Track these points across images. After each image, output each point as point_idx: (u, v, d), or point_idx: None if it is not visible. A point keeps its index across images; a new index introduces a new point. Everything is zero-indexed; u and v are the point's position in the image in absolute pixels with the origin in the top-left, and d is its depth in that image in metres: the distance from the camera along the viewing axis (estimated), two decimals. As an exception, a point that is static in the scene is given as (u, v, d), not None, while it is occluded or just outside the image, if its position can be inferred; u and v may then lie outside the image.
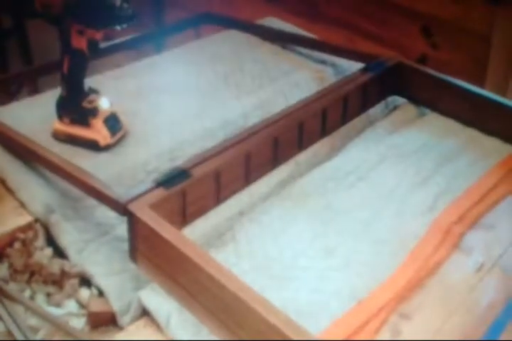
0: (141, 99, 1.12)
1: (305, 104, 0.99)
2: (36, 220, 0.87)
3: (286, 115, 0.96)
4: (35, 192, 0.89)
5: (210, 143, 0.95)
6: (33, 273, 0.83)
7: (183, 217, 0.82)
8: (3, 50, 2.11)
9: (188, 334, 0.72)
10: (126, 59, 1.37)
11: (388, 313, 0.73)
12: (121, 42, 1.38)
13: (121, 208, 0.77)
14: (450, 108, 1.11)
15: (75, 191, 0.87)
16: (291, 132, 0.96)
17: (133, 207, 0.76)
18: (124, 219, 0.77)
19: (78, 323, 0.78)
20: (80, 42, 0.93)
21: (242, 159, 0.89)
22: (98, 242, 0.85)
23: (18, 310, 0.78)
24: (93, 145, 0.98)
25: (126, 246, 0.79)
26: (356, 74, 1.10)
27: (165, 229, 0.72)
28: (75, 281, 0.81)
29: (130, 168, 0.95)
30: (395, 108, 1.19)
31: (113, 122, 1.00)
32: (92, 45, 0.93)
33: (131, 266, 0.80)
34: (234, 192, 0.90)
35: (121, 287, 0.79)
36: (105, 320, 0.77)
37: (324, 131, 1.03)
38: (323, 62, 1.29)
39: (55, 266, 0.82)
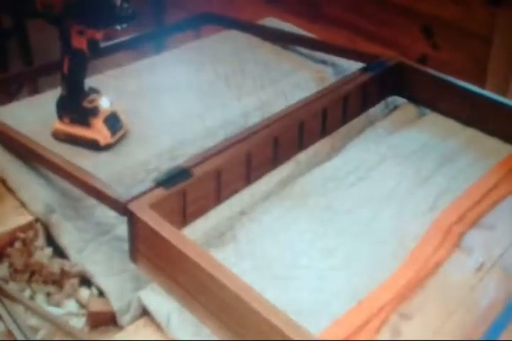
0: (142, 99, 1.12)
1: (305, 104, 0.99)
2: (36, 220, 0.87)
3: (287, 115, 0.96)
4: (36, 192, 0.89)
5: (210, 142, 0.95)
6: (33, 273, 0.83)
7: (184, 216, 0.82)
8: (3, 50, 2.11)
9: (188, 334, 0.72)
10: (127, 59, 1.37)
11: (388, 313, 0.73)
12: (122, 42, 1.38)
13: (122, 208, 0.77)
14: (450, 108, 1.11)
15: (75, 191, 0.87)
16: (291, 132, 0.96)
17: (133, 207, 0.76)
18: (124, 218, 0.77)
19: (78, 323, 0.78)
20: (80, 42, 0.93)
21: (243, 159, 0.89)
22: (98, 242, 0.85)
23: (18, 309, 0.78)
24: (93, 145, 0.98)
25: (126, 245, 0.79)
26: (356, 74, 1.10)
27: (165, 229, 0.72)
28: (74, 281, 0.81)
29: (130, 167, 0.95)
30: (395, 108, 1.19)
31: (113, 122, 1.00)
32: (93, 45, 0.93)
33: (131, 265, 0.80)
34: (234, 191, 0.90)
35: (121, 287, 0.79)
36: (105, 320, 0.77)
37: (324, 130, 1.03)
38: (323, 62, 1.29)
39: (55, 265, 0.82)
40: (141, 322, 0.76)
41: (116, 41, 1.37)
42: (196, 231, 0.84)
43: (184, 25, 1.53)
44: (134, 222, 0.76)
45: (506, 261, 0.82)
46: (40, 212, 0.86)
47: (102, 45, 0.97)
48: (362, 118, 1.12)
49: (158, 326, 0.74)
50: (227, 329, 0.67)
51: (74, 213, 0.88)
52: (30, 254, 0.83)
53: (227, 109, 1.11)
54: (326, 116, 1.02)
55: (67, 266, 0.82)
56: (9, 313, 0.77)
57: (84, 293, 0.80)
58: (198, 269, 0.67)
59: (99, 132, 0.98)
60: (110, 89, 1.09)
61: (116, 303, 0.77)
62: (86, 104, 0.98)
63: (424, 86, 1.13)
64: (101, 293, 0.79)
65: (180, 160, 0.91)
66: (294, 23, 1.44)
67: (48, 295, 0.82)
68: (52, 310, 0.79)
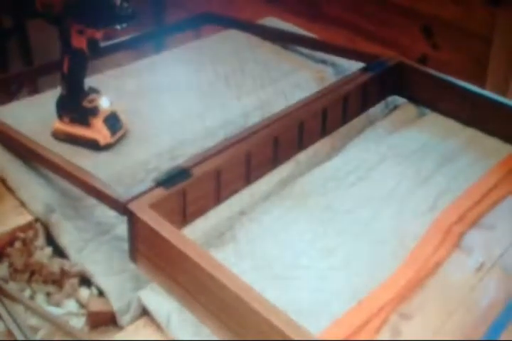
0: (142, 99, 1.12)
1: (305, 104, 0.99)
2: (36, 219, 0.87)
3: (287, 115, 0.96)
4: (36, 192, 0.89)
5: (210, 142, 0.95)
6: (33, 273, 0.83)
7: (183, 216, 0.82)
8: (3, 50, 2.11)
9: (188, 334, 0.72)
10: (127, 58, 1.37)
11: (388, 313, 0.73)
12: (122, 41, 1.38)
13: (121, 207, 0.77)
14: (450, 108, 1.11)
15: (75, 190, 0.87)
16: (291, 132, 0.96)
17: (133, 207, 0.76)
18: (124, 218, 0.77)
19: (78, 323, 0.78)
20: (80, 42, 0.93)
21: (243, 158, 0.89)
22: (98, 242, 0.85)
23: (18, 309, 0.78)
24: (93, 145, 0.98)
25: (126, 245, 0.79)
26: (356, 74, 1.10)
27: (165, 229, 0.72)
28: (74, 281, 0.81)
29: (130, 167, 0.95)
30: (395, 108, 1.19)
31: (113, 121, 1.00)
32: (92, 44, 0.93)
33: (131, 265, 0.80)
34: (234, 191, 0.90)
35: (121, 286, 0.79)
36: (105, 320, 0.77)
37: (324, 130, 1.03)
38: (323, 62, 1.29)
39: (55, 265, 0.82)
40: (141, 322, 0.76)
41: (116, 41, 1.37)
42: (196, 231, 0.84)
43: (184, 25, 1.53)
44: (133, 221, 0.76)
45: (506, 261, 0.82)
46: (40, 212, 0.86)
47: (102, 44, 0.97)
48: (362, 118, 1.12)
49: (158, 326, 0.74)
50: (227, 329, 0.67)
51: (74, 213, 0.88)
52: (30, 254, 0.83)
53: (227, 109, 1.11)
54: (326, 116, 1.01)
55: (67, 265, 0.82)
56: (9, 313, 0.77)
57: (84, 292, 0.80)
58: (198, 269, 0.67)
59: (99, 132, 0.98)
60: (110, 88, 1.09)
61: (116, 303, 0.77)
62: (86, 104, 0.98)
63: (424, 86, 1.13)
64: (101, 293, 0.79)
65: (180, 160, 0.91)
66: (294, 23, 1.44)
67: (48, 294, 0.82)
68: (52, 310, 0.79)
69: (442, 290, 0.78)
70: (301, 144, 0.99)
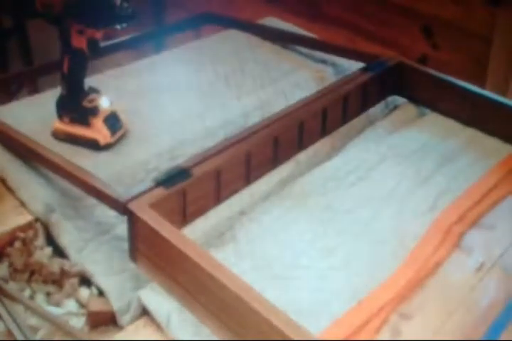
0: (142, 99, 1.12)
1: (305, 104, 0.99)
2: (36, 219, 0.87)
3: (287, 114, 0.96)
4: (36, 192, 0.89)
5: (210, 142, 0.95)
6: (32, 273, 0.83)
7: (183, 216, 0.82)
8: (3, 50, 2.11)
9: (188, 334, 0.72)
10: (127, 58, 1.37)
11: (388, 313, 0.73)
12: (122, 41, 1.38)
13: (121, 207, 0.77)
14: (450, 108, 1.11)
15: (75, 190, 0.87)
16: (291, 132, 0.96)
17: (133, 207, 0.76)
18: (124, 218, 0.77)
19: (78, 323, 0.78)
20: (80, 42, 0.93)
21: (243, 158, 0.89)
22: (98, 241, 0.85)
23: (18, 309, 0.78)
24: (93, 145, 0.98)
25: (126, 245, 0.79)
26: (356, 73, 1.10)
27: (165, 229, 0.72)
28: (74, 281, 0.81)
29: (130, 167, 0.95)
30: (395, 108, 1.19)
31: (113, 121, 1.00)
32: (92, 44, 0.93)
33: (131, 265, 0.80)
34: (234, 191, 0.90)
35: (121, 286, 0.79)
36: (105, 320, 0.77)
37: (324, 130, 1.03)
38: (323, 61, 1.29)
39: (55, 265, 0.82)
40: (141, 322, 0.76)
41: (116, 41, 1.37)
42: (196, 231, 0.84)
43: (184, 25, 1.53)
44: (133, 221, 0.76)
45: (506, 261, 0.82)
46: (40, 212, 0.86)
47: (102, 44, 0.97)
48: (362, 118, 1.12)
49: (158, 326, 0.74)
50: (227, 329, 0.67)
51: (74, 212, 0.88)
52: (30, 254, 0.83)
53: (227, 109, 1.11)
54: (326, 115, 1.01)
55: (67, 265, 0.82)
56: (9, 313, 0.77)
57: (84, 292, 0.80)
58: (198, 269, 0.67)
59: (99, 132, 0.98)
60: (110, 88, 1.09)
61: (116, 303, 0.77)
62: (86, 104, 0.98)
63: (424, 86, 1.13)
64: (101, 293, 0.79)
65: (180, 160, 0.91)
66: (294, 23, 1.44)
67: (48, 294, 0.82)
68: (52, 310, 0.79)
69: (442, 290, 0.78)
70: (301, 144, 0.99)
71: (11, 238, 0.85)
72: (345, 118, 1.07)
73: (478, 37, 1.42)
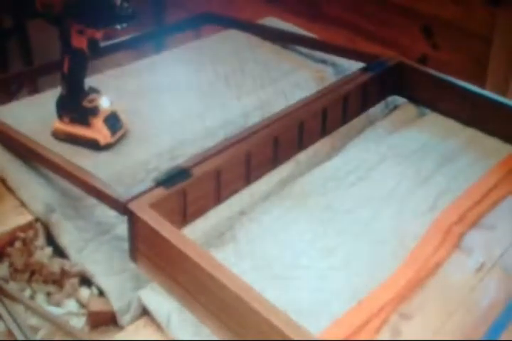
0: (142, 99, 1.12)
1: (305, 104, 0.99)
2: (36, 219, 0.87)
3: (287, 114, 0.96)
4: (36, 192, 0.89)
5: (210, 142, 0.95)
6: (33, 273, 0.83)
7: (183, 216, 0.82)
8: (3, 50, 2.11)
9: (188, 334, 0.72)
10: (127, 58, 1.37)
11: (388, 313, 0.73)
12: (122, 41, 1.38)
13: (122, 207, 0.77)
14: (450, 108, 1.11)
15: (75, 190, 0.87)
16: (291, 132, 0.96)
17: (133, 207, 0.76)
18: (124, 218, 0.77)
19: (78, 323, 0.78)
20: (80, 42, 0.93)
21: (243, 158, 0.89)
22: (98, 241, 0.85)
23: (19, 309, 0.78)
24: (93, 145, 0.98)
25: (126, 245, 0.79)
26: (356, 73, 1.10)
27: (165, 229, 0.72)
28: (75, 281, 0.81)
29: (130, 167, 0.95)
30: (395, 108, 1.19)
31: (113, 121, 1.00)
32: (93, 44, 0.93)
33: (131, 265, 0.80)
34: (234, 191, 0.90)
35: (121, 286, 0.79)
36: (105, 320, 0.77)
37: (324, 130, 1.03)
38: (323, 61, 1.29)
39: (56, 265, 0.82)
40: (141, 322, 0.76)
41: (116, 41, 1.37)
42: (196, 231, 0.84)
43: (184, 25, 1.53)
44: (134, 221, 0.76)
45: (506, 261, 0.82)
46: (40, 212, 0.86)
47: (102, 44, 0.97)
48: (362, 118, 1.12)
49: (158, 326, 0.74)
50: (227, 329, 0.67)
51: (74, 212, 0.88)
52: (30, 254, 0.83)
53: (227, 109, 1.11)
54: (326, 115, 1.01)
55: (67, 265, 0.82)
56: (9, 313, 0.77)
57: (84, 292, 0.80)
58: (198, 269, 0.67)
59: (99, 132, 0.98)
60: (110, 88, 1.09)
61: (116, 303, 0.77)
62: (86, 104, 0.98)
63: (424, 86, 1.13)
64: (101, 293, 0.79)
65: (180, 160, 0.91)
66: (294, 23, 1.44)
67: (48, 294, 0.82)
68: (53, 310, 0.79)
69: (442, 291, 0.78)
70: (301, 144, 0.99)
71: (11, 238, 0.85)
72: (345, 118, 1.07)
73: (478, 37, 1.42)
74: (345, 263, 0.80)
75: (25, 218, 0.87)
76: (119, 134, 1.00)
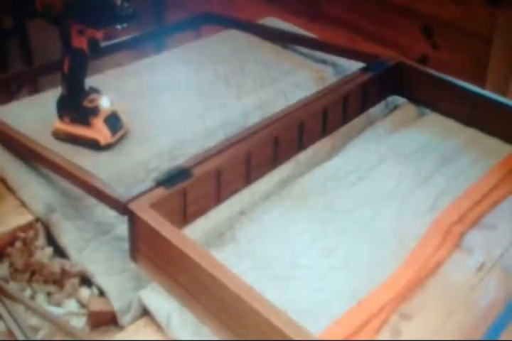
0: (142, 99, 1.12)
1: (305, 104, 0.99)
2: (37, 219, 0.87)
3: (287, 114, 0.96)
4: (36, 192, 0.89)
5: (210, 142, 0.95)
6: (33, 273, 0.83)
7: (184, 216, 0.82)
8: (3, 50, 2.11)
9: (188, 334, 0.72)
10: (127, 58, 1.37)
11: (388, 313, 0.73)
12: (122, 41, 1.38)
13: (122, 207, 0.77)
14: (450, 108, 1.11)
15: (76, 190, 0.87)
16: (291, 132, 0.96)
17: (133, 207, 0.76)
18: (125, 218, 0.77)
19: (78, 323, 0.78)
20: (80, 42, 0.93)
21: (243, 158, 0.89)
22: (98, 241, 0.85)
23: (19, 309, 0.78)
24: (94, 145, 0.98)
25: (126, 245, 0.79)
26: (356, 73, 1.10)
27: (165, 229, 0.72)
28: (75, 281, 0.81)
29: (131, 167, 0.95)
30: (395, 108, 1.19)
31: (114, 121, 1.00)
32: (93, 44, 0.93)
33: (132, 265, 0.80)
34: (234, 191, 0.90)
35: (121, 286, 0.79)
36: (105, 320, 0.77)
37: (324, 130, 1.03)
38: (323, 61, 1.29)
39: (56, 265, 0.82)
40: (142, 322, 0.76)
41: (116, 41, 1.37)
42: (196, 231, 0.84)
43: (184, 25, 1.53)
44: (134, 221, 0.76)
45: (506, 261, 0.82)
46: (41, 212, 0.86)
47: (103, 44, 0.97)
48: (362, 118, 1.12)
49: (158, 326, 0.74)
50: (227, 329, 0.67)
51: (74, 213, 0.88)
52: (30, 254, 0.83)
53: (227, 109, 1.11)
54: (326, 115, 1.02)
55: (67, 265, 0.82)
56: (10, 313, 0.77)
57: (84, 292, 0.80)
58: (198, 269, 0.67)
59: (99, 132, 0.98)
60: (110, 88, 1.09)
61: (116, 303, 0.77)
62: (86, 104, 0.98)
63: (424, 86, 1.13)
64: (101, 293, 0.79)
65: (180, 160, 0.91)
66: (294, 23, 1.45)
67: (49, 294, 0.82)
68: (53, 310, 0.79)
69: (442, 290, 0.78)
70: (301, 144, 0.99)
71: (12, 238, 0.85)
72: (345, 118, 1.07)
73: (478, 37, 1.42)
74: (345, 263, 0.80)
75: (26, 218, 0.87)
76: (119, 134, 1.00)
